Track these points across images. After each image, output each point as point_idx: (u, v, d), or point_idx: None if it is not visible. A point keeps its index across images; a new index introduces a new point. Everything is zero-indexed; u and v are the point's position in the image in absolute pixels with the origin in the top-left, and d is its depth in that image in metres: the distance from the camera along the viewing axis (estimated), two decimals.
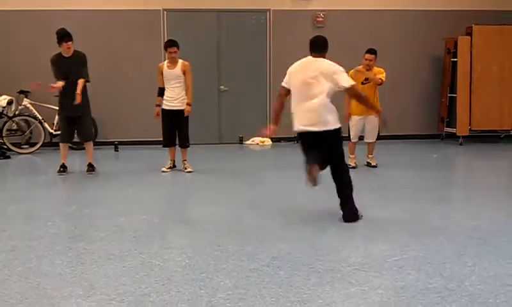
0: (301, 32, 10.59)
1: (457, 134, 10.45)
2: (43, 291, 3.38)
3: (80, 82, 7.13)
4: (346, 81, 5.01)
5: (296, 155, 9.37)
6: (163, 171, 7.56)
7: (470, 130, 10.43)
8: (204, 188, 6.81)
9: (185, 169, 7.58)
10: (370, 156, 7.92)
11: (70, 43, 7.13)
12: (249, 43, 10.72)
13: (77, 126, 7.45)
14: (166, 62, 7.48)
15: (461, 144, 10.35)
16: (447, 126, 10.90)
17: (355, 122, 7.68)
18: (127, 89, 10.41)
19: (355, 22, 10.80)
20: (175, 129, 7.48)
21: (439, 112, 11.14)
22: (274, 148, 10.16)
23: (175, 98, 7.37)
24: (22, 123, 9.92)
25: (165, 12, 10.43)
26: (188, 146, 7.59)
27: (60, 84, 7.12)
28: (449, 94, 10.83)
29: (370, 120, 7.59)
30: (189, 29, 10.42)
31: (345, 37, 10.75)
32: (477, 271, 3.68)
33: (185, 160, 7.63)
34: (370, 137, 7.79)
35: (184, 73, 7.34)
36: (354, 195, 5.08)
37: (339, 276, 3.60)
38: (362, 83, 7.48)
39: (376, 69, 7.63)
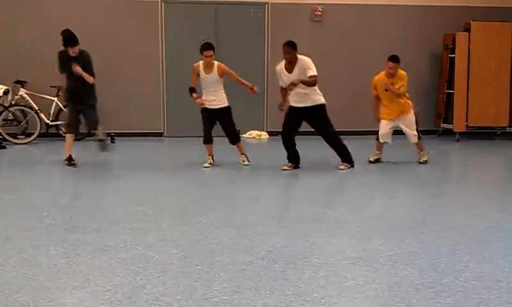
0: (299, 26, 10.59)
1: (454, 130, 10.47)
2: (37, 282, 3.38)
3: (88, 75, 7.24)
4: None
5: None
6: (205, 167, 7.41)
7: (467, 126, 10.44)
8: (200, 181, 6.80)
9: (243, 162, 7.57)
10: (420, 153, 7.89)
11: (76, 48, 7.13)
12: (247, 36, 10.69)
13: (83, 114, 7.50)
14: (201, 63, 7.29)
15: (457, 141, 10.37)
16: (443, 123, 10.92)
17: (383, 125, 7.71)
18: (124, 80, 10.38)
19: (354, 16, 10.78)
20: (213, 126, 7.46)
21: (436, 108, 11.15)
22: (271, 142, 10.17)
23: (216, 99, 7.33)
24: (18, 113, 9.88)
25: (163, 3, 10.39)
26: (239, 140, 7.66)
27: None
28: (446, 91, 10.84)
29: (403, 121, 7.64)
30: (186, 21, 10.38)
31: (343, 32, 10.75)
32: (471, 267, 3.70)
33: (243, 154, 7.62)
34: (411, 138, 7.74)
35: (223, 74, 7.26)
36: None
37: (334, 270, 3.61)
38: (386, 90, 7.50)
39: (399, 73, 7.50)
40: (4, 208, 5.30)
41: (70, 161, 7.38)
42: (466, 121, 10.41)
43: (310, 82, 6.86)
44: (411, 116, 7.67)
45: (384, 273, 3.58)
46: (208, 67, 7.23)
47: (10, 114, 9.74)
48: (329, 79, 10.58)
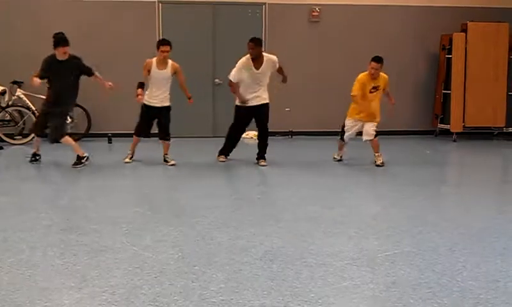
0: (296, 27, 10.59)
1: (451, 131, 10.48)
2: (34, 283, 3.37)
3: (97, 76, 7.40)
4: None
5: (289, 149, 9.41)
6: (126, 162, 7.59)
7: (464, 126, 10.46)
8: (197, 181, 6.80)
9: (167, 162, 7.54)
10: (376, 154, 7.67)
11: (66, 48, 7.12)
12: (245, 37, 10.54)
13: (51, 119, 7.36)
14: (154, 60, 7.37)
15: (454, 141, 10.39)
16: (440, 123, 10.93)
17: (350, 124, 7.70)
18: (121, 81, 10.27)
19: (351, 17, 10.78)
20: (152, 123, 7.58)
21: (433, 109, 11.17)
22: (268, 142, 10.15)
23: (159, 96, 7.40)
24: (15, 114, 9.85)
25: (160, 4, 10.38)
26: (169, 139, 7.60)
27: (37, 81, 7.09)
28: (444, 91, 10.85)
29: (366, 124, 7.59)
30: (184, 22, 10.37)
31: (341, 32, 10.75)
32: (468, 267, 3.70)
33: (166, 154, 7.62)
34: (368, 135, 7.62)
35: (175, 74, 7.39)
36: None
37: (331, 271, 3.62)
38: (370, 91, 7.49)
39: (382, 75, 7.53)
40: (1, 209, 5.28)
41: (33, 157, 7.60)
42: (463, 122, 10.43)
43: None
44: (375, 123, 7.59)
45: (381, 273, 3.59)
46: (162, 63, 7.34)
47: (7, 114, 9.72)
48: (326, 80, 10.59)
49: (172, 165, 7.49)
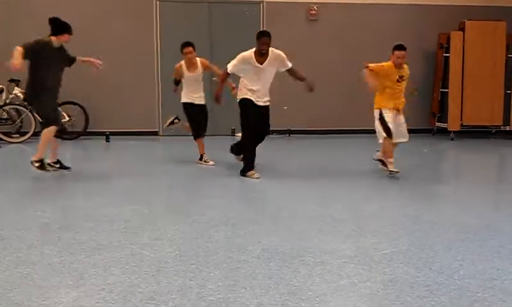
0: (294, 25, 10.60)
1: (449, 129, 10.50)
2: (32, 281, 3.36)
3: (82, 58, 7.02)
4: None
5: (286, 148, 9.40)
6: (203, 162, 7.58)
7: (462, 125, 10.48)
8: (195, 179, 6.79)
9: (207, 162, 7.61)
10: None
11: (71, 36, 6.73)
12: (242, 35, 10.65)
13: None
14: (183, 63, 7.44)
15: (452, 139, 10.40)
16: (438, 121, 10.95)
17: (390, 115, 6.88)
18: (119, 79, 10.36)
19: (349, 15, 10.79)
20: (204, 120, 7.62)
21: (431, 107, 11.18)
22: (266, 141, 10.15)
23: (199, 95, 7.57)
24: (13, 112, 9.85)
25: (158, 2, 10.37)
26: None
27: (20, 64, 6.24)
28: (441, 89, 10.87)
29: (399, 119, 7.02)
30: (182, 20, 10.38)
31: (338, 31, 10.76)
32: (465, 265, 3.71)
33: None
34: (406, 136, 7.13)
35: (206, 69, 7.53)
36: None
37: (329, 269, 3.62)
38: (398, 81, 6.88)
39: (405, 67, 7.02)
40: None
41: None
42: (461, 120, 10.45)
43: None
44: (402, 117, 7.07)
45: (379, 271, 3.59)
46: (191, 65, 7.44)
47: (4, 113, 9.71)
48: (325, 78, 10.60)
49: (212, 165, 7.52)
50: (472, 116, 10.47)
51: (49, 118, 6.77)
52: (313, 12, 10.67)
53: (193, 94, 7.54)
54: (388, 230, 4.55)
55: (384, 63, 6.91)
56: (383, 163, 7.04)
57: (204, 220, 4.77)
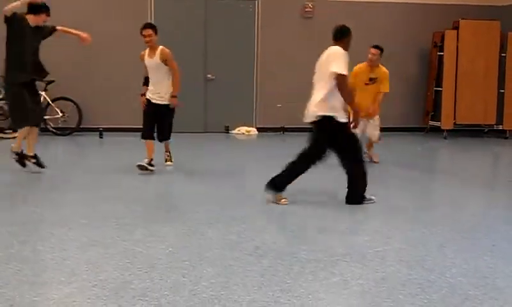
0: (289, 22, 10.59)
1: (442, 128, 10.53)
2: (24, 277, 3.35)
3: (62, 28, 6.69)
4: (335, 67, 5.01)
5: (281, 146, 9.41)
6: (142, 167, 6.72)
7: (455, 124, 10.51)
8: (188, 177, 6.79)
9: (166, 161, 7.19)
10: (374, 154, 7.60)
11: (48, 18, 6.53)
12: (237, 32, 10.67)
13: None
14: (147, 50, 6.79)
15: (445, 138, 10.44)
16: (431, 120, 10.98)
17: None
18: (113, 74, 10.31)
19: (344, 13, 10.77)
20: (155, 122, 6.80)
21: (424, 106, 11.21)
22: (260, 138, 10.17)
23: (155, 91, 6.67)
24: (5, 108, 9.78)
25: None
26: (167, 139, 7.07)
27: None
28: (435, 88, 10.90)
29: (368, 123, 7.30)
30: (176, 16, 10.34)
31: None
32: (457, 263, 3.73)
33: (167, 152, 7.24)
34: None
35: (165, 62, 6.56)
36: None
37: (322, 266, 3.63)
38: (366, 84, 7.15)
39: (382, 69, 7.26)
40: None
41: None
42: (454, 119, 10.49)
43: None
44: (376, 120, 7.37)
45: (371, 269, 3.60)
46: (152, 50, 6.63)
47: None
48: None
49: (169, 165, 7.16)
50: (465, 114, 10.50)
51: (15, 119, 6.63)
52: (309, 9, 10.66)
53: (152, 87, 6.67)
54: (380, 228, 4.56)
55: (356, 66, 7.15)
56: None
57: (197, 217, 4.77)
